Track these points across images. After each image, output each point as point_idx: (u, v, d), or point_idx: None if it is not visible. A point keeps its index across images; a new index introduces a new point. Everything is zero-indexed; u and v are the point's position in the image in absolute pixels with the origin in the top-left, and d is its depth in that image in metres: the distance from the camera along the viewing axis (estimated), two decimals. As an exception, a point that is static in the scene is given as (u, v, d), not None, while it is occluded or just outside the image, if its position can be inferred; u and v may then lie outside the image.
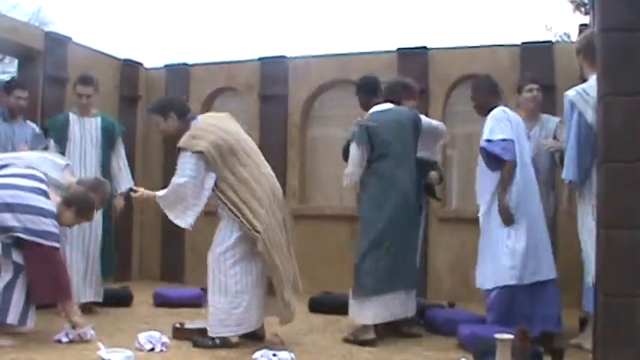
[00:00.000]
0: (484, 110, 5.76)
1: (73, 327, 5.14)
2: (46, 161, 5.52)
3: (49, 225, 4.99)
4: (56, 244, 5.01)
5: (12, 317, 4.91)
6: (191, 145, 5.08)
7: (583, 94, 4.90)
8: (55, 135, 6.61)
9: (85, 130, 6.70)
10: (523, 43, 8.19)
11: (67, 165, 5.75)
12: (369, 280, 5.37)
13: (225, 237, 5.16)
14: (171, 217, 5.19)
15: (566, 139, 5.08)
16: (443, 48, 8.69)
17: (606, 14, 3.86)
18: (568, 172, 5.03)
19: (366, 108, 5.83)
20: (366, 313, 5.37)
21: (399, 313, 5.51)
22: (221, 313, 5.05)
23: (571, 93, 5.00)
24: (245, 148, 5.29)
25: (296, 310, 5.35)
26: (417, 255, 5.95)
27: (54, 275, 5.03)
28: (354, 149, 5.56)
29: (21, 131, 6.68)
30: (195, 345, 5.06)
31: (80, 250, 6.40)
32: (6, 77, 13.08)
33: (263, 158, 5.45)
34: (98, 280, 6.56)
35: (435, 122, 6.21)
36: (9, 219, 4.88)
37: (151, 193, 5.33)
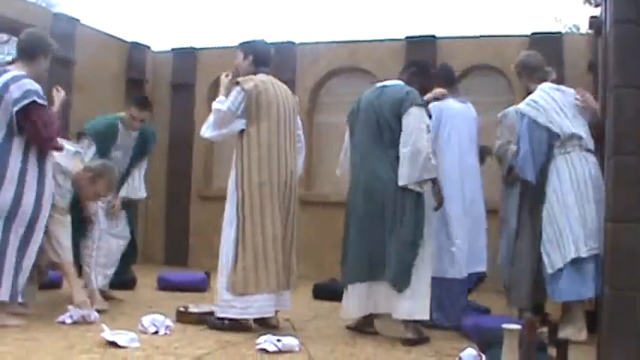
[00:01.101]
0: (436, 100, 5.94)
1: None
2: None
3: (28, 84, 4.93)
4: (35, 99, 4.90)
5: (3, 293, 4.81)
6: (243, 82, 5.18)
7: (532, 104, 5.33)
8: (101, 143, 6.27)
9: (125, 138, 6.47)
10: (533, 33, 8.17)
11: (77, 152, 5.72)
12: (345, 268, 5.34)
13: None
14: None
15: (517, 146, 5.46)
16: (451, 37, 8.68)
17: (619, 6, 3.84)
18: (526, 173, 5.32)
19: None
20: (349, 304, 5.25)
21: (381, 305, 5.14)
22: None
23: (521, 106, 5.41)
24: (280, 121, 5.25)
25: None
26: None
27: (44, 125, 4.95)
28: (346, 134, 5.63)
29: None
30: (208, 326, 5.11)
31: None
32: (9, 58, 13.04)
33: (293, 147, 5.40)
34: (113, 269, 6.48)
35: (412, 128, 5.01)
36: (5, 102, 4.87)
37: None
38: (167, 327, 4.89)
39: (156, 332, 4.81)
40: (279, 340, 4.47)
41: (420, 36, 8.66)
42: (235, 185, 5.16)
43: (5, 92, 4.85)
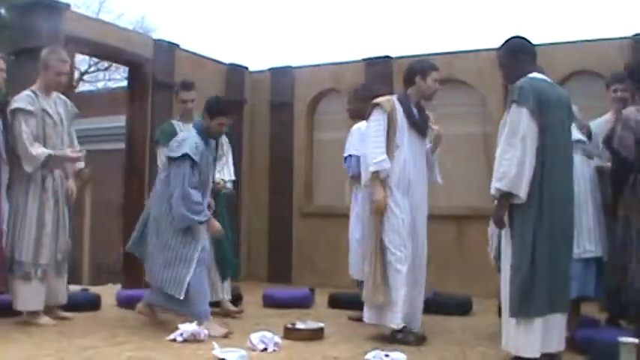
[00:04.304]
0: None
1: None
2: None
3: None
4: None
5: None
6: None
7: None
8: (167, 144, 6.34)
9: None
10: (635, 34, 7.83)
11: None
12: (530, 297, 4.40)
13: None
14: None
15: None
16: (551, 43, 8.44)
17: None
18: None
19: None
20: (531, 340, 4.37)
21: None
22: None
23: None
24: None
25: None
26: None
27: None
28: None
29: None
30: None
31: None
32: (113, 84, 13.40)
33: None
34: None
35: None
36: None
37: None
38: (275, 344, 4.92)
39: (265, 349, 4.85)
40: (387, 356, 4.45)
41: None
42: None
43: None
